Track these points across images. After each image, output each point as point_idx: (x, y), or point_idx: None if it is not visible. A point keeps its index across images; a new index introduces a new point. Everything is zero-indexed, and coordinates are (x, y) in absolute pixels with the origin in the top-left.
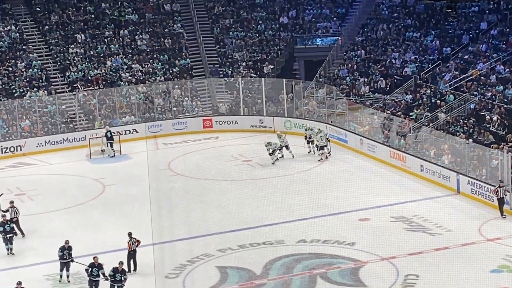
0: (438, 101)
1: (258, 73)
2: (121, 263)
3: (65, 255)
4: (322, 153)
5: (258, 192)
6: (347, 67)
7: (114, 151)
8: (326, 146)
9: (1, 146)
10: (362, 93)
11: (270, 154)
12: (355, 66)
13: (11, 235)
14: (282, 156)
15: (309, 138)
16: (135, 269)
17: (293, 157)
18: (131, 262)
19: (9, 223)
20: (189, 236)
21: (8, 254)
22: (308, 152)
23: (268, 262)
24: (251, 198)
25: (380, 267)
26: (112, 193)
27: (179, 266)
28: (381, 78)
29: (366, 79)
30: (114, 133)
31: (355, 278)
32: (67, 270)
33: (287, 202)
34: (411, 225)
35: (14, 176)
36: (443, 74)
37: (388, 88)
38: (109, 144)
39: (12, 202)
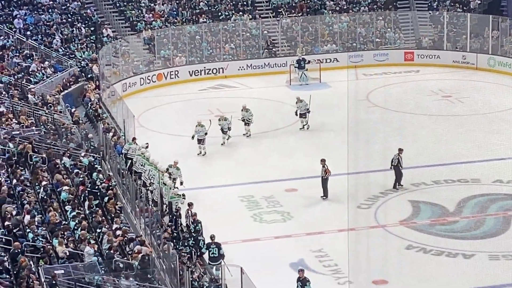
0: None
1: (464, 8)
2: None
3: None
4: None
5: (456, 129)
6: None
7: (307, 78)
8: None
9: (205, 68)
10: None
11: (222, 131)
12: None
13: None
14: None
15: (223, 128)
16: (326, 196)
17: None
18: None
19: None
20: (384, 168)
21: None
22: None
23: (462, 200)
24: (448, 134)
25: None
26: (310, 121)
27: (372, 197)
28: None
29: None
30: (315, 60)
31: None
32: None
33: (486, 141)
34: None
35: (216, 97)
36: None
37: None
38: (301, 72)
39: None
